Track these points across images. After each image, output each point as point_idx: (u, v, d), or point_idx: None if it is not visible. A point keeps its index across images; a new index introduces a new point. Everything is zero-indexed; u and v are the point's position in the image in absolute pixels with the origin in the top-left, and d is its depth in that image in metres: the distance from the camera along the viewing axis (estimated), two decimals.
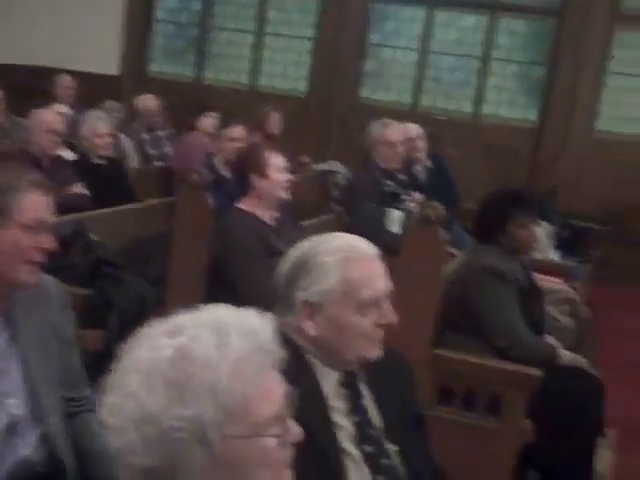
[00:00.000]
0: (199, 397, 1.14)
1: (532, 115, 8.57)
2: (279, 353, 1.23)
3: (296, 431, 1.24)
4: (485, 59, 8.66)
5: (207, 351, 1.16)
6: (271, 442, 1.19)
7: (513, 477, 3.26)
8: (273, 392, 1.21)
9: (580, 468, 3.38)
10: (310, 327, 1.88)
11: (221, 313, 1.23)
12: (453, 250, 4.47)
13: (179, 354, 1.16)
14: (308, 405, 1.72)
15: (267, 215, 3.78)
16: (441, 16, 8.76)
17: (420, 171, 6.12)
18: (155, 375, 1.15)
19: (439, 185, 5.97)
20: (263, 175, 3.76)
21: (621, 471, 3.87)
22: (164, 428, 1.14)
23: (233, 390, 1.15)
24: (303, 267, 1.90)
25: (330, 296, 1.87)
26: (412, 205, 5.16)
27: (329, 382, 1.90)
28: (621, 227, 7.58)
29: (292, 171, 4.90)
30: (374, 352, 1.92)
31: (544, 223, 5.46)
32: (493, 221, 3.60)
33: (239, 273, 3.61)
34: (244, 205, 3.78)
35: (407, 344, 2.97)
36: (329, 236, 1.98)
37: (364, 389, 1.96)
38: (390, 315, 1.92)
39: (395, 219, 4.97)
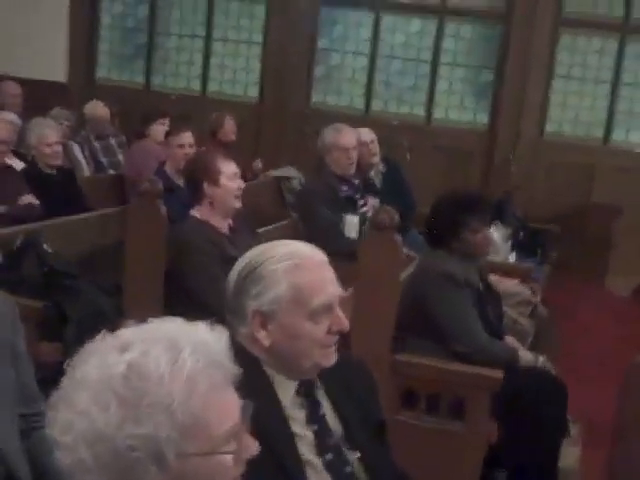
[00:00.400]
0: (153, 415, 1.10)
1: (483, 119, 8.64)
2: (233, 367, 1.19)
3: (253, 446, 1.21)
4: (434, 63, 8.69)
5: (160, 367, 1.12)
6: (227, 459, 1.16)
7: (480, 478, 3.26)
8: (228, 407, 1.18)
9: (546, 466, 3.40)
10: (263, 337, 1.84)
11: (172, 327, 1.20)
12: (412, 254, 4.47)
13: (131, 371, 1.12)
14: (267, 417, 1.70)
15: (221, 223, 3.75)
16: (388, 20, 8.76)
17: (375, 176, 6.11)
18: (106, 392, 1.12)
19: (393, 190, 5.96)
20: (215, 183, 3.73)
21: (588, 465, 3.89)
22: (117, 446, 1.10)
23: (188, 407, 1.12)
24: (252, 276, 1.85)
25: (281, 304, 1.83)
26: (367, 210, 5.15)
27: (286, 392, 1.87)
28: (573, 228, 7.66)
29: (246, 178, 4.86)
30: (329, 359, 1.89)
31: (500, 226, 5.48)
32: (446, 228, 3.57)
33: (195, 281, 3.57)
34: (198, 213, 3.75)
35: (367, 349, 2.98)
36: (276, 243, 1.94)
37: (322, 397, 1.93)
38: (342, 321, 1.88)
39: (351, 224, 4.95)
